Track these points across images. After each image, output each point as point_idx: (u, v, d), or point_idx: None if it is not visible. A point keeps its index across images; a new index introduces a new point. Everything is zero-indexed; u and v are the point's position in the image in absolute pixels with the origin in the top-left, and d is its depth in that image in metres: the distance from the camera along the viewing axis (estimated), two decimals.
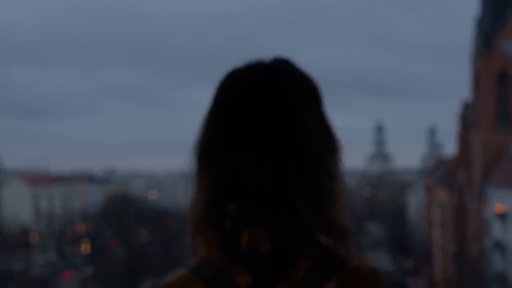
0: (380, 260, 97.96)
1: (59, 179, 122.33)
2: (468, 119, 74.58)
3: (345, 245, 1.58)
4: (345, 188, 1.63)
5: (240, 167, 1.54)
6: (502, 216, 59.60)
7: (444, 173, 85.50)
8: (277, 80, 1.60)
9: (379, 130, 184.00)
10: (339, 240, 1.57)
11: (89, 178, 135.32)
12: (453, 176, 79.69)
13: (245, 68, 1.65)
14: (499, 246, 60.54)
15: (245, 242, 1.54)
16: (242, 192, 1.54)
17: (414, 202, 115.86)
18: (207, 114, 1.63)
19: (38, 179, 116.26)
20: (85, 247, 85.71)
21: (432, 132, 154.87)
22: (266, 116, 1.56)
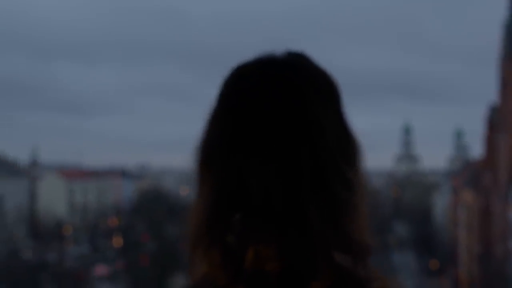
0: (406, 260, 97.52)
1: (94, 174, 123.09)
2: (495, 122, 74.17)
3: (365, 264, 1.39)
4: (366, 200, 1.44)
5: (245, 174, 1.37)
6: None
7: (471, 175, 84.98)
8: (290, 77, 1.42)
9: (407, 131, 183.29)
10: (357, 259, 1.38)
11: (123, 174, 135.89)
12: (479, 178, 79.23)
13: (253, 63, 1.47)
14: None
15: (249, 259, 1.34)
16: (248, 202, 1.36)
17: (440, 203, 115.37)
18: (211, 114, 1.45)
19: (73, 174, 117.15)
20: (117, 241, 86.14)
21: (459, 134, 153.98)
22: (277, 117, 1.38)
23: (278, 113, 1.38)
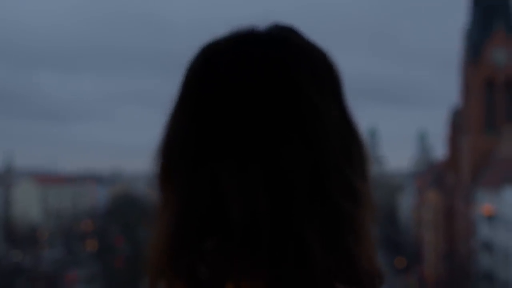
0: None
1: (68, 180, 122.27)
2: (457, 124, 74.55)
3: None
4: (375, 215, 1.11)
5: (220, 185, 1.01)
6: (489, 217, 59.66)
7: (434, 176, 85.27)
8: (276, 57, 1.06)
9: (372, 133, 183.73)
10: None
11: (97, 179, 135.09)
12: (443, 178, 79.48)
13: (227, 39, 1.10)
14: (487, 246, 60.63)
15: None
16: (225, 223, 1.00)
17: (405, 203, 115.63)
18: (173, 109, 1.09)
19: (48, 180, 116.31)
20: (91, 244, 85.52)
21: (422, 137, 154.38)
22: (260, 108, 1.03)
23: (261, 103, 1.03)
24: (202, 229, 1.01)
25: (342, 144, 1.06)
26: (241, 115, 1.02)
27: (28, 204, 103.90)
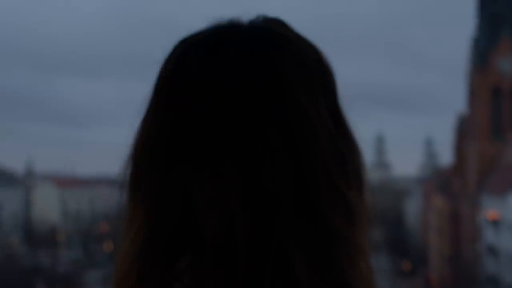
0: (379, 261, 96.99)
1: (86, 182, 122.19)
2: (463, 130, 73.91)
3: None
4: (369, 233, 0.96)
5: (193, 195, 0.88)
6: (495, 222, 59.16)
7: (441, 181, 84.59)
8: (259, 54, 0.92)
9: (380, 140, 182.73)
10: None
11: (114, 182, 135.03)
12: (449, 184, 78.80)
13: (205, 33, 0.97)
14: (492, 250, 60.01)
15: None
16: (199, 239, 0.87)
17: (412, 208, 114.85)
18: (145, 111, 0.96)
19: (67, 182, 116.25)
20: (108, 246, 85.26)
21: (429, 143, 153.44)
22: (239, 110, 0.89)
23: (240, 104, 0.89)
24: (173, 246, 0.88)
25: (334, 152, 0.91)
26: (216, 118, 0.88)
27: (47, 206, 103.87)
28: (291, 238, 0.85)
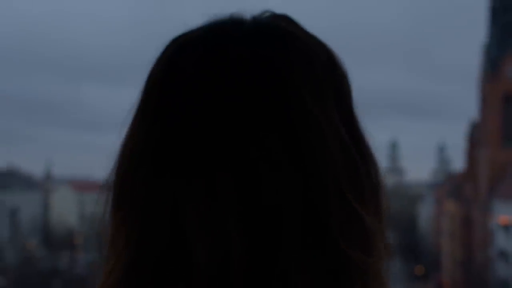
0: (393, 266, 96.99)
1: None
2: (475, 137, 73.82)
3: None
4: (387, 259, 0.81)
5: (182, 216, 0.75)
6: (506, 227, 59.07)
7: (453, 186, 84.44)
8: (263, 56, 0.79)
9: (393, 146, 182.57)
10: None
11: None
12: (461, 189, 78.69)
13: (200, 32, 0.84)
14: (503, 255, 59.96)
15: None
16: (187, 269, 0.75)
17: (425, 213, 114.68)
18: (132, 118, 0.84)
19: (84, 186, 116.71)
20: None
21: (441, 149, 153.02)
22: (239, 122, 0.76)
23: (239, 109, 0.77)
24: (159, 275, 0.75)
25: (348, 165, 0.77)
26: (211, 125, 0.76)
27: (65, 210, 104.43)
28: (297, 270, 0.73)
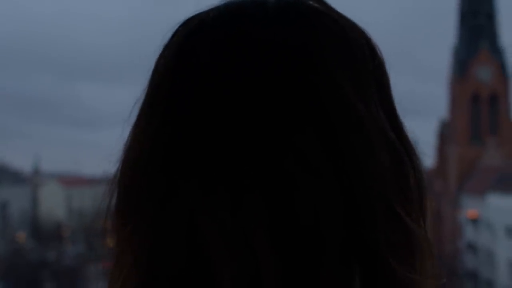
0: None
1: (90, 181, 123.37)
2: (445, 134, 74.99)
3: None
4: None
5: (200, 233, 0.62)
6: (474, 221, 60.26)
7: None
8: (292, 42, 0.64)
9: None
10: None
11: None
12: (431, 185, 79.77)
13: (217, 14, 0.68)
14: (471, 247, 61.31)
15: None
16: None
17: None
18: (137, 116, 0.69)
19: (72, 181, 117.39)
20: (111, 241, 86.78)
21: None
22: (267, 119, 0.62)
23: (266, 102, 0.62)
24: None
25: (397, 172, 0.64)
26: (232, 123, 0.61)
27: (53, 204, 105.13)
28: None
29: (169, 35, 0.69)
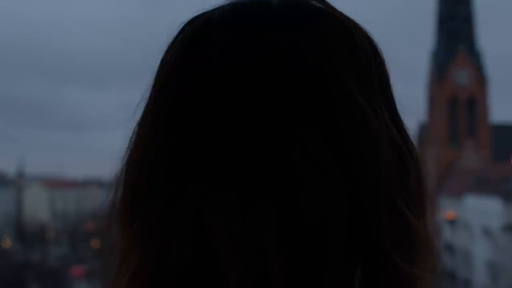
0: None
1: (74, 184, 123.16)
2: (423, 137, 75.55)
3: None
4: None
5: (208, 234, 0.61)
6: (452, 222, 60.74)
7: None
8: (298, 42, 0.64)
9: None
10: None
11: (100, 183, 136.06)
12: None
13: (223, 13, 0.67)
14: (449, 247, 61.69)
15: None
16: None
17: None
18: (141, 116, 0.68)
19: (56, 184, 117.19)
20: (94, 243, 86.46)
21: None
22: (275, 120, 0.62)
23: (274, 103, 0.62)
24: None
25: (400, 170, 0.65)
26: (242, 127, 0.61)
27: (37, 206, 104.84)
28: None
29: (170, 36, 0.68)
